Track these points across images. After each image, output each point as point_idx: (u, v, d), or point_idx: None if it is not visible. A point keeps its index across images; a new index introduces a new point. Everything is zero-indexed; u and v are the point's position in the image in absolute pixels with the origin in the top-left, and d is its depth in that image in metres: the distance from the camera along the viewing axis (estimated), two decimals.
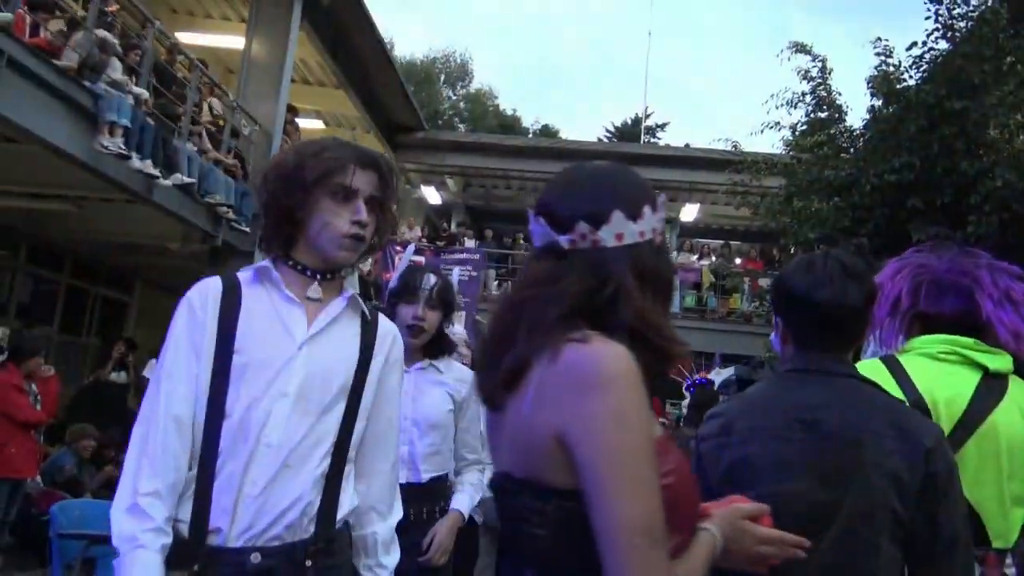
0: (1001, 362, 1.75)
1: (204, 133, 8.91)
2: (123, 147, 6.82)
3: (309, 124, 14.02)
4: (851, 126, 8.64)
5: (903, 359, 1.75)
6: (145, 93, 7.49)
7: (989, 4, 7.44)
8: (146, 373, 8.56)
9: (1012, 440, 1.66)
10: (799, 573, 1.30)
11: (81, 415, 7.68)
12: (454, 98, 32.30)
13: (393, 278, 2.85)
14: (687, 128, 55.62)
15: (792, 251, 8.42)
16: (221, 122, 9.38)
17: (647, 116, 31.15)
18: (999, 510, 1.63)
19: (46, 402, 5.84)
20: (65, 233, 9.53)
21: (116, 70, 7.10)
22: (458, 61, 32.19)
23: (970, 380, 1.72)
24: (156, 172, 7.33)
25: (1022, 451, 1.67)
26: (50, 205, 8.61)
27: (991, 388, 1.71)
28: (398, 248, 14.08)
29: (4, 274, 9.99)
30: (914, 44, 7.80)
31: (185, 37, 10.35)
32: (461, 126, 29.54)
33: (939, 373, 1.72)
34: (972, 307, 1.79)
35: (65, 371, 9.83)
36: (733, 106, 58.78)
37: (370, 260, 14.47)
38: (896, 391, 1.64)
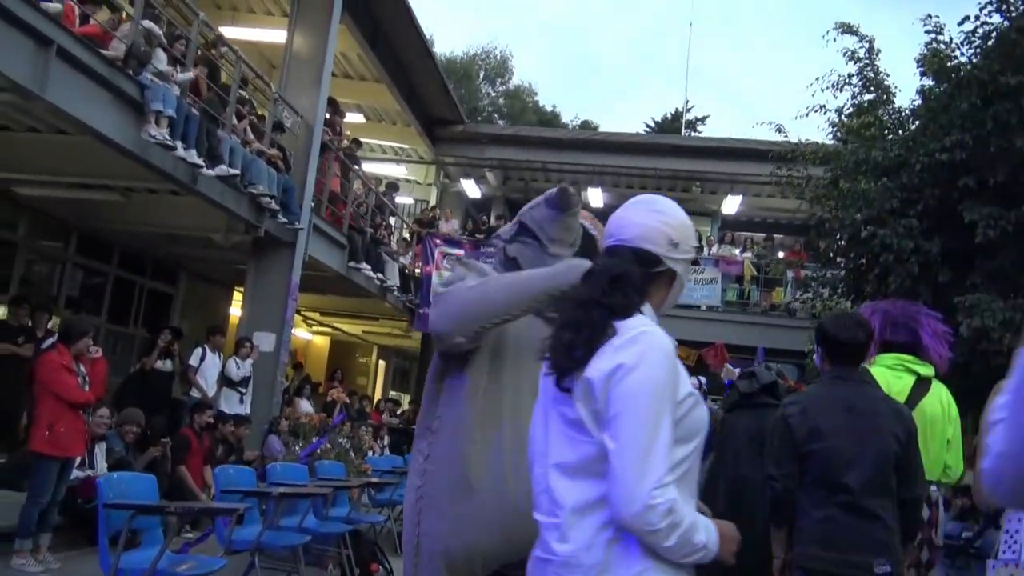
0: (928, 370, 3.15)
1: (248, 127, 9.02)
2: (168, 137, 6.92)
3: (350, 118, 14.14)
4: (900, 107, 8.39)
5: (872, 368, 3.02)
6: (191, 75, 7.58)
7: None
8: (192, 362, 8.71)
9: (932, 417, 3.06)
10: (854, 479, 2.60)
11: (128, 402, 7.82)
12: (493, 95, 32.32)
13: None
14: (728, 122, 55.05)
15: (838, 236, 8.20)
16: (263, 112, 9.49)
17: (687, 110, 30.83)
18: (924, 456, 2.83)
19: (94, 383, 5.93)
20: (113, 224, 9.73)
21: (161, 61, 7.22)
22: (498, 58, 32.24)
23: (908, 381, 3.10)
24: (200, 162, 7.42)
25: (939, 423, 3.08)
26: (98, 195, 8.81)
27: (921, 386, 3.11)
28: (437, 241, 14.12)
29: (55, 265, 10.24)
30: (967, 18, 7.54)
31: (228, 31, 10.49)
32: (500, 122, 29.53)
33: (892, 377, 3.08)
34: (915, 339, 3.18)
35: (112, 360, 10.06)
36: (776, 100, 57.97)
37: (410, 254, 14.55)
38: None
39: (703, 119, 34.73)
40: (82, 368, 5.82)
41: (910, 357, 3.14)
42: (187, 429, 7.56)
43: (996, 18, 7.42)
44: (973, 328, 6.47)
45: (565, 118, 34.51)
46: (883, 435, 2.61)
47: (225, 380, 8.84)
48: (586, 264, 1.75)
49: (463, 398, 2.06)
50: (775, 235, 16.89)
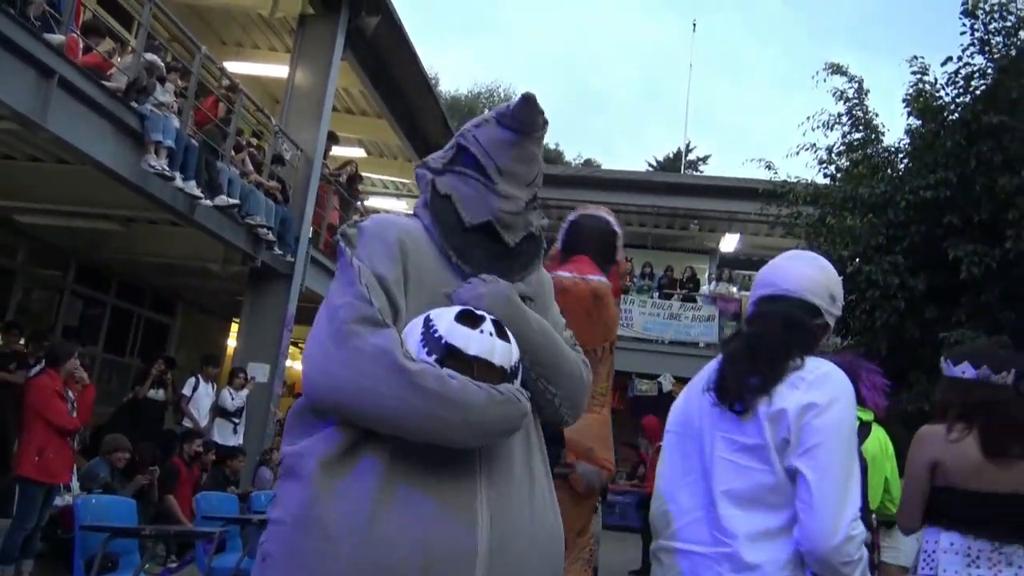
0: (868, 416, 3.54)
1: (246, 157, 9.15)
2: (167, 167, 7.03)
3: (352, 152, 14.32)
4: (888, 146, 8.51)
5: None
6: (183, 102, 7.73)
7: None
8: (184, 391, 8.72)
9: (873, 455, 3.54)
10: None
11: (119, 431, 7.80)
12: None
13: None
14: (729, 162, 55.54)
15: None
16: (263, 145, 9.64)
17: (689, 150, 31.12)
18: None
19: (81, 409, 5.95)
20: (112, 254, 9.82)
21: (166, 92, 7.36)
22: (502, 96, 32.67)
23: None
24: (199, 192, 7.53)
25: (879, 461, 3.60)
26: (97, 224, 8.92)
27: (863, 429, 3.47)
28: None
29: (53, 293, 10.32)
30: (949, 59, 7.69)
31: (233, 66, 10.70)
32: None
33: None
34: (855, 389, 3.43)
35: (108, 390, 10.08)
36: (776, 139, 58.58)
37: None
38: None
39: (704, 159, 35.08)
40: (70, 394, 5.85)
41: None
42: (176, 458, 7.55)
43: (978, 59, 7.57)
44: None
45: (568, 156, 34.84)
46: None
47: (219, 411, 8.85)
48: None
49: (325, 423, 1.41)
50: None
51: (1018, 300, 7.05)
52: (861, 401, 3.53)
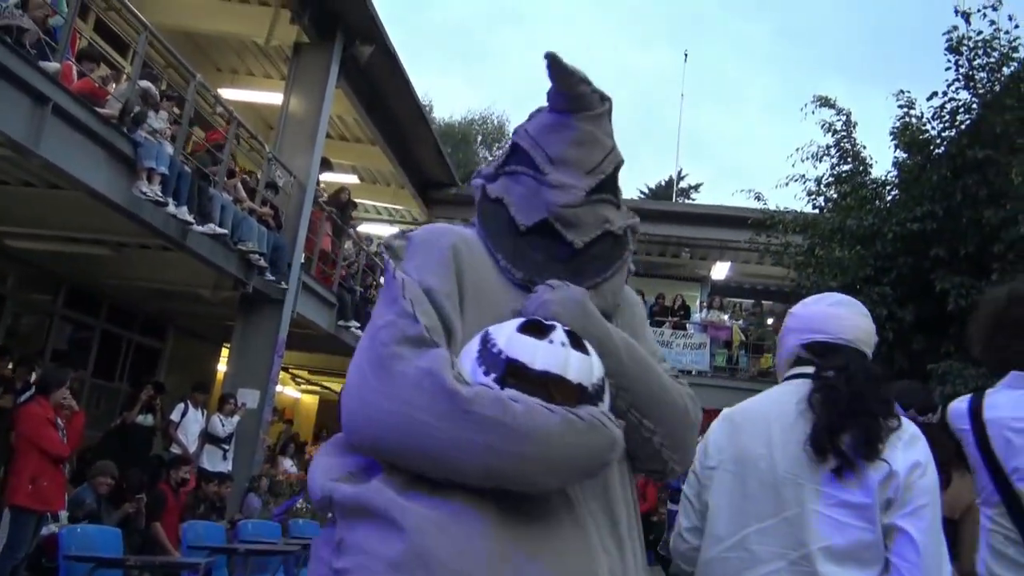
0: None
1: (239, 183, 9.18)
2: (160, 194, 7.04)
3: (345, 179, 14.40)
4: (877, 178, 8.63)
5: None
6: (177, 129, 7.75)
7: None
8: (173, 417, 8.67)
9: None
10: None
11: (107, 457, 7.75)
12: (491, 159, 32.78)
13: None
14: (720, 190, 56.07)
15: None
16: (257, 172, 9.67)
17: (681, 178, 31.33)
18: None
19: (71, 436, 5.92)
20: (103, 278, 9.80)
21: (160, 119, 7.40)
22: (495, 123, 32.89)
23: None
24: (191, 219, 7.54)
25: None
26: (89, 249, 8.91)
27: None
28: None
29: (43, 318, 10.28)
30: (935, 94, 7.82)
31: (228, 93, 10.77)
32: None
33: None
34: None
35: (96, 415, 10.01)
36: (767, 168, 59.32)
37: None
38: None
39: (696, 187, 35.32)
40: (59, 421, 5.81)
41: None
42: (163, 484, 7.49)
43: (963, 94, 7.70)
44: (946, 395, 6.55)
45: None
46: None
47: (209, 437, 8.80)
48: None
49: None
50: (764, 301, 17.00)
51: None
52: None
